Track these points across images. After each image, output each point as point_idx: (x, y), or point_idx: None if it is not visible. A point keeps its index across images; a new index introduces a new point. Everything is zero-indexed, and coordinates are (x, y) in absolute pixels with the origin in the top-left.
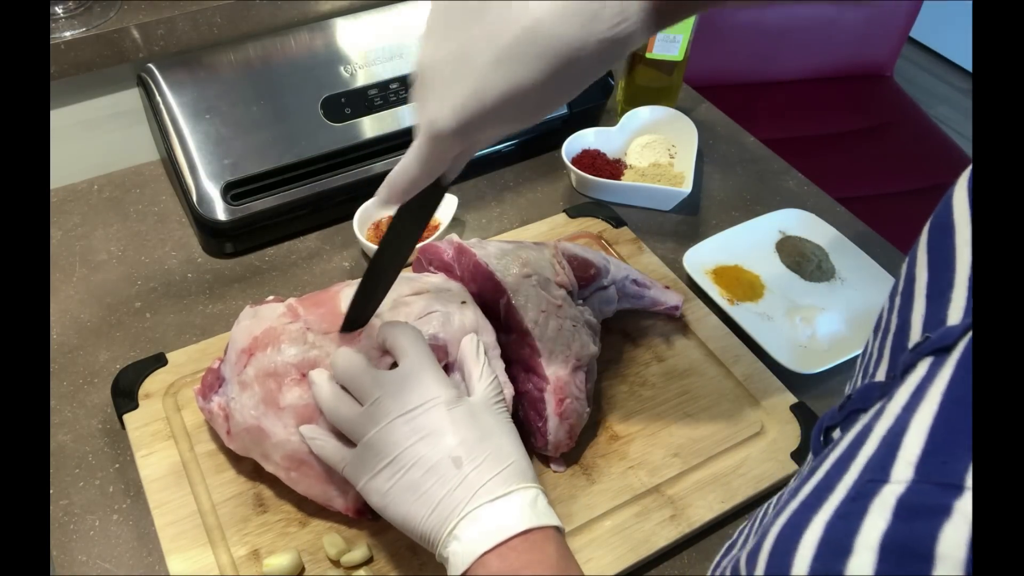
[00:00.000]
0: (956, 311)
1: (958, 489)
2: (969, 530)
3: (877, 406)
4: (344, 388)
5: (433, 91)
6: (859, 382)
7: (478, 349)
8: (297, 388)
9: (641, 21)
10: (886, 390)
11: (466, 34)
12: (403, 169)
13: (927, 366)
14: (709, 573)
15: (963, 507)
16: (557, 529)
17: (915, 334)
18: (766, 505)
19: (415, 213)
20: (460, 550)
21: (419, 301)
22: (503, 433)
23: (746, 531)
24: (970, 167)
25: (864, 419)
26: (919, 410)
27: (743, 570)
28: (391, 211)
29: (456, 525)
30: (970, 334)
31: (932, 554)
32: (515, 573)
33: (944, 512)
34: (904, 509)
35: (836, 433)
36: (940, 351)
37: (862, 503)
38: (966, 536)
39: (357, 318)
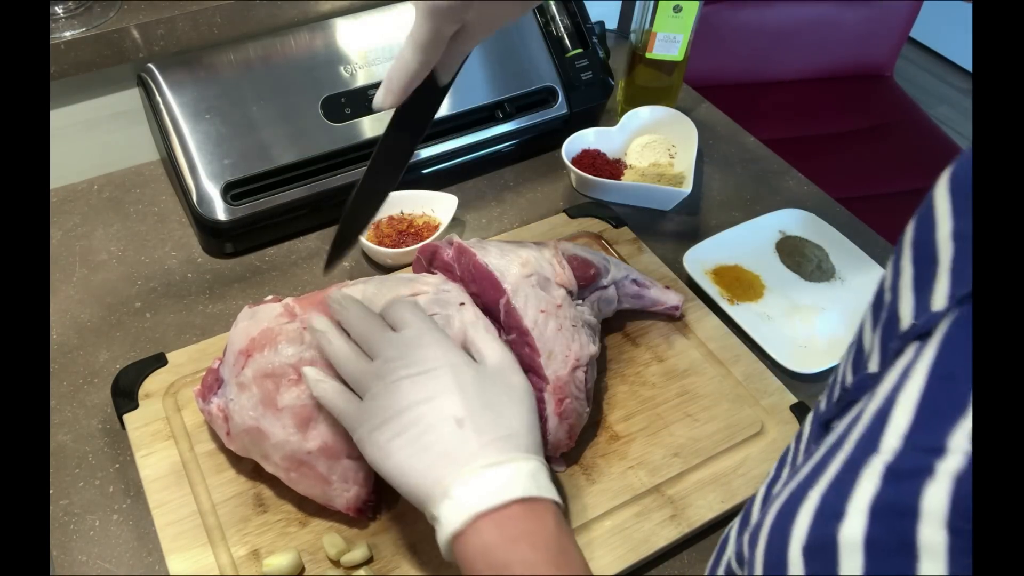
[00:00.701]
0: (939, 299)
1: (941, 451)
2: (951, 487)
3: (847, 421)
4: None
5: None
6: (849, 375)
7: (480, 327)
8: (295, 388)
9: None
10: (878, 379)
11: None
12: (400, 63)
13: (914, 350)
14: (706, 574)
15: (946, 467)
16: (557, 506)
17: (905, 324)
18: (758, 497)
19: (413, 118)
20: (453, 509)
21: (420, 301)
22: (511, 403)
23: (736, 527)
24: (951, 166)
25: (858, 406)
26: (905, 389)
27: (746, 549)
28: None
29: (451, 486)
30: (952, 315)
31: (917, 510)
32: (513, 543)
33: (928, 472)
34: (892, 474)
35: (835, 423)
36: (924, 335)
37: (854, 473)
38: (947, 492)
39: (346, 238)
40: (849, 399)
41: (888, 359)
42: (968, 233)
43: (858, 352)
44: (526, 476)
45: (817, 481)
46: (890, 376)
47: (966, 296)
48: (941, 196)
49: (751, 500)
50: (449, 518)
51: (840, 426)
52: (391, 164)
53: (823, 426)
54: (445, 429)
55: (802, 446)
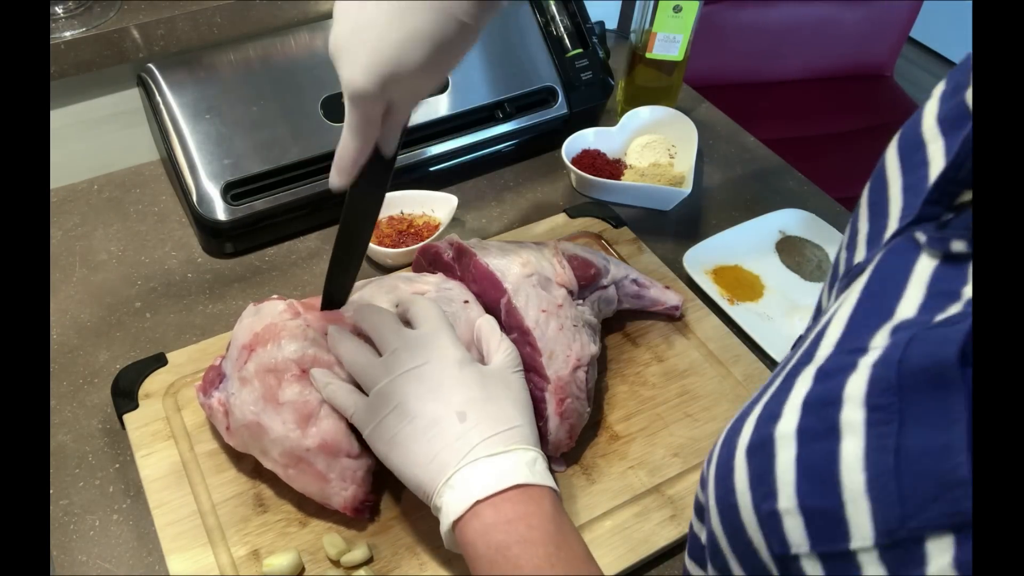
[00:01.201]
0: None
1: (862, 351)
2: (868, 373)
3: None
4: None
5: (344, 59)
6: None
7: (494, 326)
8: (297, 384)
9: None
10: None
11: (362, 8)
12: (342, 145)
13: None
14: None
15: (865, 361)
16: (554, 492)
17: None
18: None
19: (368, 191)
20: (454, 498)
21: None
22: (512, 399)
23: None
24: (900, 129)
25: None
26: (839, 311)
27: (704, 468)
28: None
29: (452, 476)
30: (885, 247)
31: (840, 399)
32: (510, 523)
33: (851, 367)
34: (822, 374)
35: None
36: (864, 270)
37: (790, 381)
38: (866, 379)
39: (333, 298)
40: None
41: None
42: (913, 185)
43: (817, 311)
44: (524, 465)
45: (761, 398)
46: (831, 307)
47: (898, 231)
48: (891, 157)
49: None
50: (450, 506)
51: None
52: (357, 233)
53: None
54: (449, 422)
55: None
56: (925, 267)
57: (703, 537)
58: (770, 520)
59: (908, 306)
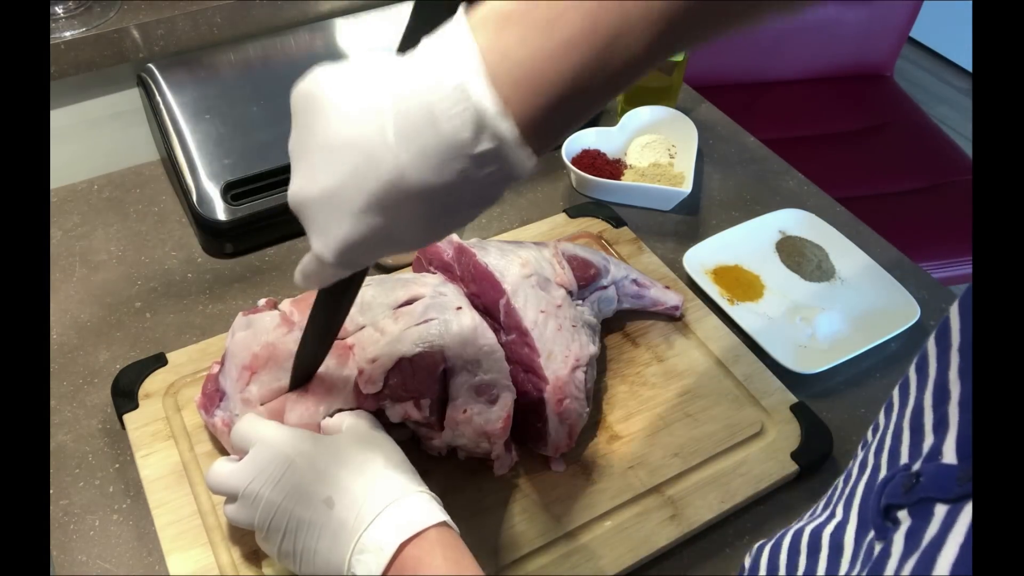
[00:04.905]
0: None
1: None
2: None
3: (933, 533)
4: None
5: (312, 225)
6: (907, 434)
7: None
8: (299, 406)
9: (516, 162)
10: (963, 489)
11: (337, 174)
12: (310, 264)
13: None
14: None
15: None
16: (443, 525)
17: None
18: (785, 542)
19: (337, 290)
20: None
21: (417, 307)
22: (371, 453)
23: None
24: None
25: (929, 535)
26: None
27: None
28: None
29: (353, 563)
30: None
31: None
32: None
33: None
34: None
35: (903, 514)
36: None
37: None
38: None
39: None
40: (924, 494)
41: (967, 482)
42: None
43: (909, 407)
44: (405, 521)
45: None
46: (950, 545)
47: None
48: (954, 317)
49: (776, 543)
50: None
51: (906, 559)
52: (320, 335)
53: (884, 512)
54: (318, 516)
55: (854, 502)
56: None
57: None
58: None
59: None
